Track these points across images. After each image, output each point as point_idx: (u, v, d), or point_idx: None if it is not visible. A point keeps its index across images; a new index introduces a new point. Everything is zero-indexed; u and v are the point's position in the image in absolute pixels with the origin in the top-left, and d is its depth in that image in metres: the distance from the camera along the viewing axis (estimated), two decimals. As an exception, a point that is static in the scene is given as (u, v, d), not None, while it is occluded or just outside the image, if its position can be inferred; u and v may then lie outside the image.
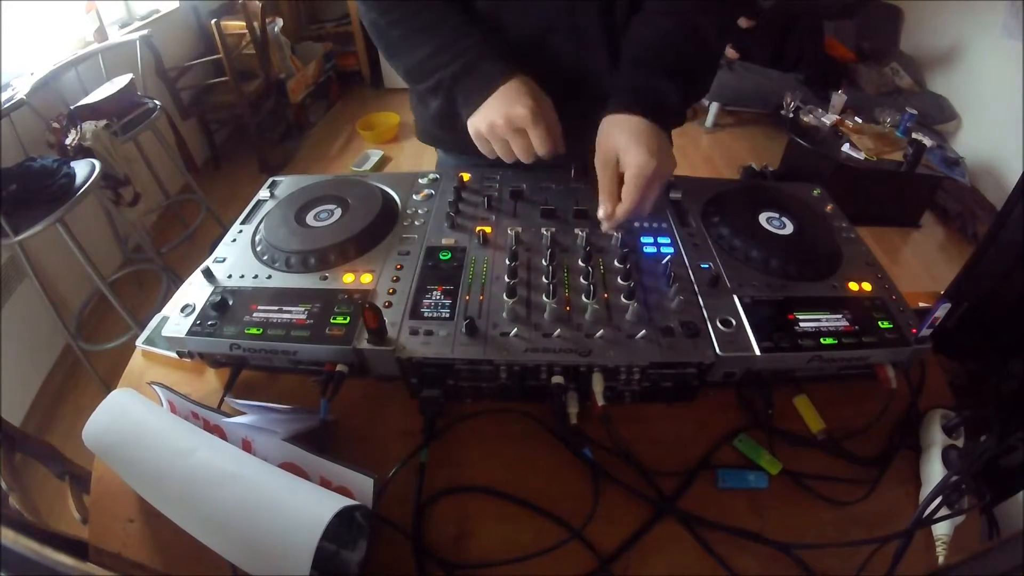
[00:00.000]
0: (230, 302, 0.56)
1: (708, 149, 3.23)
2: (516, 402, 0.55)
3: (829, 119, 2.68)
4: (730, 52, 3.19)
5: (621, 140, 0.59)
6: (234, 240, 0.66)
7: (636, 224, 0.66)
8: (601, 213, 0.61)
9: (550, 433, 0.54)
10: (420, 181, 0.74)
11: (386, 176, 0.77)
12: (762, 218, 0.67)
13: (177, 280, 1.95)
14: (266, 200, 0.72)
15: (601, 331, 0.52)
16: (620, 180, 0.60)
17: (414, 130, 0.87)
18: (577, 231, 0.64)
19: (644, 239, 0.64)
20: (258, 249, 0.64)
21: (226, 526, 0.42)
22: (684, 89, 0.64)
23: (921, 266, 2.41)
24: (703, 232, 0.66)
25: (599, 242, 0.63)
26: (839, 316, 0.56)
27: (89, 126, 1.69)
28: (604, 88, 0.66)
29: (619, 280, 0.58)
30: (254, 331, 0.53)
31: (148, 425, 0.48)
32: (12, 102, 1.65)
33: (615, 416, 0.52)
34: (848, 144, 2.51)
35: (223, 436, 0.48)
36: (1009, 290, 0.63)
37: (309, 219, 0.67)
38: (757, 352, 0.52)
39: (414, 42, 0.66)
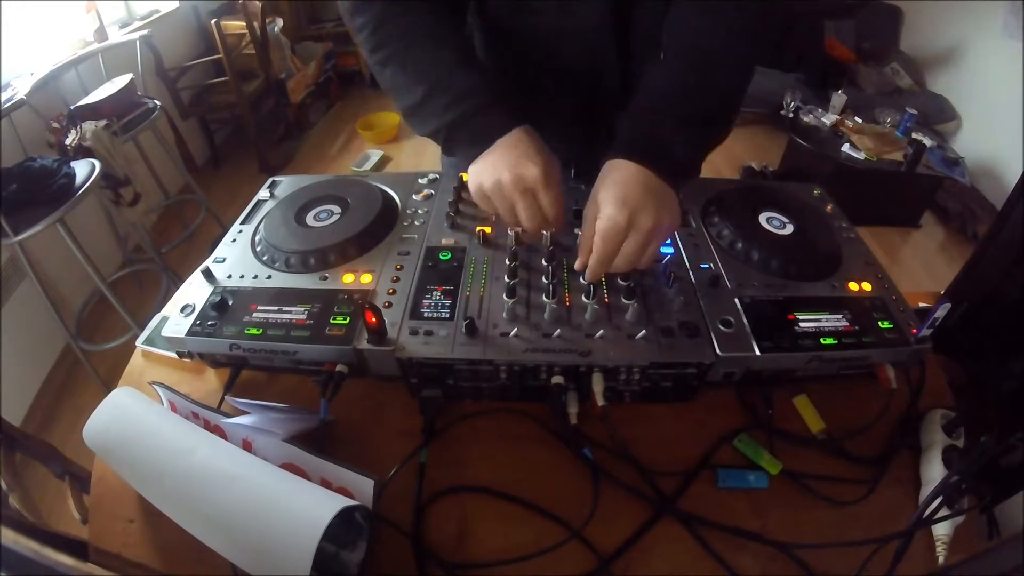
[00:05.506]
0: (230, 302, 0.56)
1: (708, 149, 3.22)
2: (516, 402, 0.55)
3: (829, 119, 2.67)
4: None
5: (602, 191, 0.54)
6: (234, 240, 0.66)
7: None
8: (577, 264, 0.57)
9: (550, 433, 0.54)
10: (420, 181, 0.74)
11: (386, 176, 0.77)
12: (762, 218, 0.67)
13: (177, 280, 1.95)
14: (266, 200, 0.72)
15: (601, 331, 0.52)
16: None
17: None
18: (577, 231, 0.63)
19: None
20: (258, 249, 0.64)
21: (226, 526, 0.42)
22: (697, 140, 0.57)
23: (921, 266, 2.41)
24: (703, 232, 0.66)
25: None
26: (839, 316, 0.56)
27: (89, 126, 1.69)
28: (615, 88, 0.64)
29: (619, 280, 0.58)
30: (254, 331, 0.53)
31: (148, 425, 0.48)
32: (12, 102, 1.65)
33: (615, 416, 0.52)
34: (848, 144, 2.50)
35: (223, 436, 0.48)
36: (1009, 290, 0.62)
37: (309, 219, 0.67)
38: (757, 352, 0.52)
39: (407, 83, 0.58)
